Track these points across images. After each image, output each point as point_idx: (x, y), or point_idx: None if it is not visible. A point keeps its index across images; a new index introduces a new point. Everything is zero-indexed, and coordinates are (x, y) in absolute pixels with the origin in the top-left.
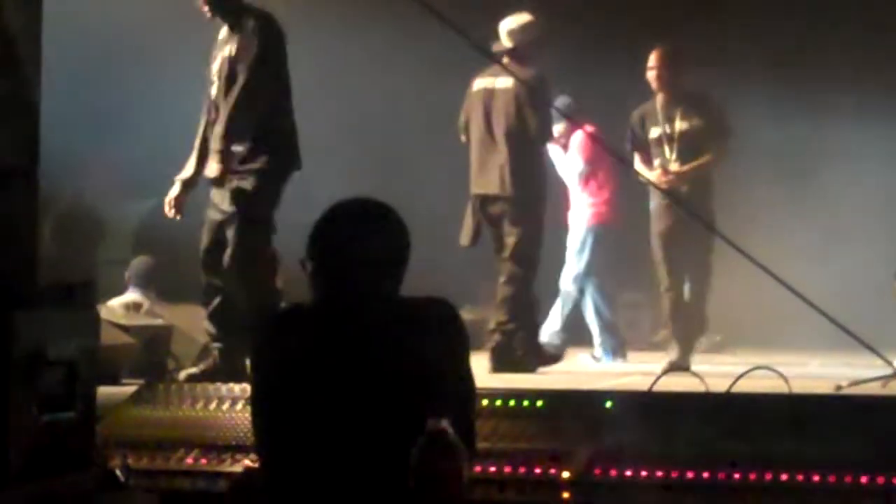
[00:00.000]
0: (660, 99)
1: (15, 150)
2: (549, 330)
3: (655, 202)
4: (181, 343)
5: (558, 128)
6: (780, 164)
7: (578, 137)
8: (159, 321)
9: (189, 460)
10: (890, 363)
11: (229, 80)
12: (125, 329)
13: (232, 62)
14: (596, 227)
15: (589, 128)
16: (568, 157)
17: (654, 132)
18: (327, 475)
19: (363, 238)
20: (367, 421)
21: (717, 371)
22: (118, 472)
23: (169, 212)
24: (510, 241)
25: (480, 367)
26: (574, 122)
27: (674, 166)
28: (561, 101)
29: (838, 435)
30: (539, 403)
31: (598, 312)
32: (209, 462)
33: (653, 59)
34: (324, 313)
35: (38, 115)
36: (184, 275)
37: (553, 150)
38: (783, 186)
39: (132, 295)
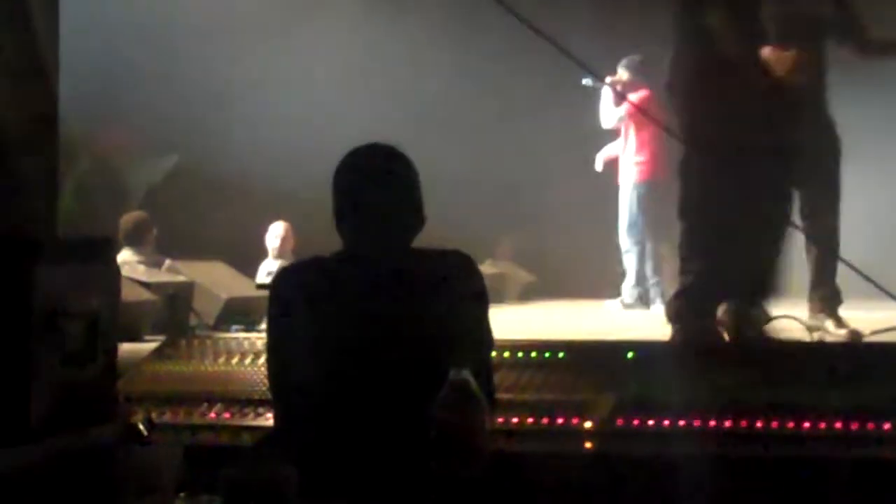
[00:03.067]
0: None
1: (35, 106)
2: (627, 286)
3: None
4: (203, 299)
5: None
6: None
7: (638, 96)
8: (181, 278)
9: (212, 415)
10: None
11: None
12: (147, 286)
13: None
14: (640, 184)
15: (643, 91)
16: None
17: None
18: (346, 426)
19: (385, 182)
20: (386, 371)
21: None
22: (141, 427)
23: None
24: None
25: None
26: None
27: None
28: (629, 59)
29: (861, 382)
30: (561, 354)
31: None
32: (233, 416)
33: None
34: (341, 263)
35: (57, 71)
36: (206, 230)
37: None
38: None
39: (125, 254)
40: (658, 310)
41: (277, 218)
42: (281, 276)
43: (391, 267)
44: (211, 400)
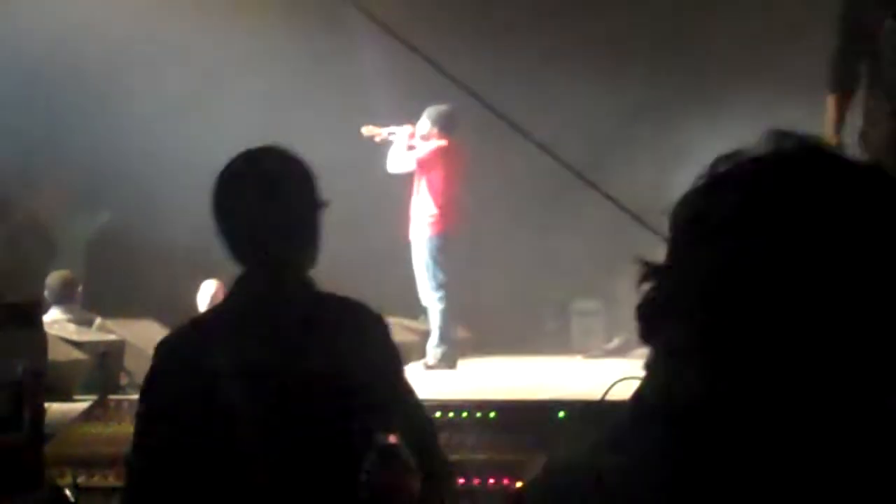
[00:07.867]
0: None
1: None
2: (430, 346)
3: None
4: (135, 358)
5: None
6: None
7: (428, 146)
8: (112, 336)
9: None
10: None
11: None
12: (77, 345)
13: None
14: (433, 238)
15: (441, 142)
16: (407, 158)
17: None
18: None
19: (270, 192)
20: (301, 436)
21: None
22: (67, 492)
23: None
24: None
25: None
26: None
27: None
28: (437, 109)
29: None
30: (492, 415)
31: (442, 321)
32: None
33: None
34: (238, 311)
35: None
36: (137, 289)
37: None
38: None
39: (54, 313)
40: (465, 370)
41: (209, 276)
42: (161, 346)
43: (296, 314)
44: None
